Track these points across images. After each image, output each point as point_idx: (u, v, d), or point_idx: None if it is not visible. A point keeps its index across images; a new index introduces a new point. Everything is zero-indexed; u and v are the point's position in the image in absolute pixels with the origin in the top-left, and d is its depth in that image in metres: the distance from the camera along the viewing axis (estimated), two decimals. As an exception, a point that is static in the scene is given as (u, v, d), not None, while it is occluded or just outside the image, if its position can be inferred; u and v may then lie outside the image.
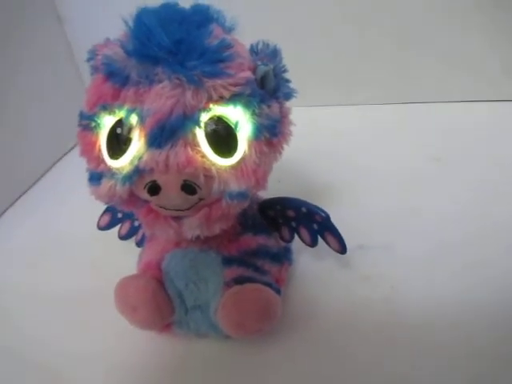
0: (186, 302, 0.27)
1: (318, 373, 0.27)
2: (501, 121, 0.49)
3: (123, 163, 0.21)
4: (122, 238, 0.36)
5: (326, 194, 0.40)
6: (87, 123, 0.22)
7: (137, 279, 0.27)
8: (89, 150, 0.23)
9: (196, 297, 0.27)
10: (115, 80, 0.21)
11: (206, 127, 0.21)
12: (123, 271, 0.28)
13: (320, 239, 0.30)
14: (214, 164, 0.21)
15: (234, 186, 0.21)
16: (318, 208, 0.28)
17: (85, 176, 0.23)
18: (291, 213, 0.29)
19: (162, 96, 0.20)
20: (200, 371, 0.28)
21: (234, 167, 0.22)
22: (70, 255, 0.39)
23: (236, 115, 0.21)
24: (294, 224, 0.30)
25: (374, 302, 0.30)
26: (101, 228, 0.36)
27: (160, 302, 0.26)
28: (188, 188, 0.21)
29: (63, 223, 0.44)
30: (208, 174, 0.21)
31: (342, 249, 0.29)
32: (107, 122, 0.22)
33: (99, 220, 0.36)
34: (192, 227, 0.23)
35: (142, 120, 0.20)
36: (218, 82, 0.20)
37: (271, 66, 0.22)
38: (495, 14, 0.48)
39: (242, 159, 0.22)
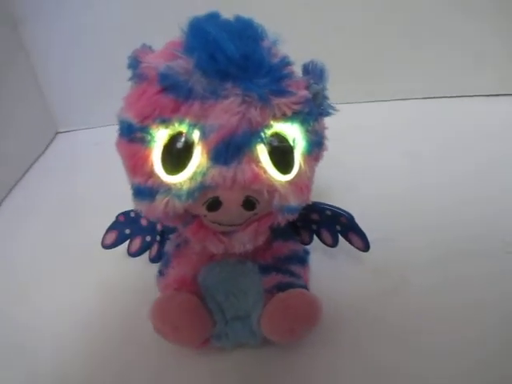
0: (226, 314, 0.27)
1: (338, 364, 0.28)
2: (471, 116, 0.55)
3: (182, 179, 0.21)
4: (133, 254, 0.34)
5: (324, 192, 0.41)
6: (141, 136, 0.21)
7: (177, 297, 0.26)
8: (139, 165, 0.21)
9: (236, 308, 0.27)
10: (178, 93, 0.20)
11: (268, 143, 0.21)
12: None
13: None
14: (275, 180, 0.21)
15: (292, 201, 0.22)
16: (342, 210, 0.30)
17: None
18: (315, 216, 0.31)
19: (228, 112, 0.19)
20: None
21: (291, 182, 0.22)
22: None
23: (293, 132, 0.22)
24: (314, 227, 0.32)
25: (385, 292, 0.32)
26: (106, 247, 0.34)
27: (202, 317, 0.26)
28: (249, 204, 0.21)
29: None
30: (271, 190, 0.21)
31: (365, 247, 0.30)
32: (161, 135, 0.21)
33: (104, 238, 0.34)
34: (243, 242, 0.24)
35: (204, 135, 0.20)
36: (283, 100, 0.21)
37: (321, 86, 0.23)
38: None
39: (298, 175, 0.22)
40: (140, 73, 0.22)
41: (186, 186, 0.21)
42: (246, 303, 0.27)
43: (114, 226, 0.34)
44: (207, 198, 0.21)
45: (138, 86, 0.22)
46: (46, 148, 0.59)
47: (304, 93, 0.22)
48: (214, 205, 0.21)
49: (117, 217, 0.33)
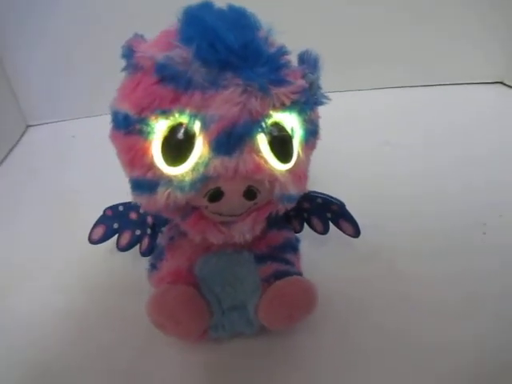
0: (223, 304, 0.27)
1: (329, 351, 0.28)
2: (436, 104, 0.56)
3: (184, 170, 0.20)
4: (123, 249, 0.33)
5: (314, 180, 0.42)
6: (139, 128, 0.21)
7: (173, 290, 0.25)
8: (138, 157, 0.21)
9: (233, 298, 0.27)
10: (177, 84, 0.19)
11: (269, 133, 0.21)
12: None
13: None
14: (276, 169, 0.21)
15: (292, 190, 0.22)
16: (333, 197, 0.30)
17: None
18: (306, 204, 0.31)
19: (229, 102, 0.19)
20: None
21: (290, 171, 0.22)
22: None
23: (290, 121, 0.22)
24: (305, 215, 0.32)
25: (375, 279, 0.33)
26: (94, 242, 0.33)
27: (200, 309, 0.26)
28: (250, 194, 0.21)
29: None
30: (272, 180, 0.21)
31: (356, 233, 0.31)
32: (160, 126, 0.20)
33: (91, 233, 0.33)
34: (243, 231, 0.24)
35: (205, 126, 0.20)
36: (282, 90, 0.21)
37: (316, 75, 0.23)
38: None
39: (297, 163, 0.23)
40: (135, 63, 0.21)
41: (188, 178, 0.20)
42: (242, 293, 0.27)
43: (102, 221, 0.33)
44: (209, 188, 0.21)
45: (133, 76, 0.21)
46: (17, 142, 0.57)
47: (301, 82, 0.22)
48: (216, 195, 0.21)
49: (104, 211, 0.33)
